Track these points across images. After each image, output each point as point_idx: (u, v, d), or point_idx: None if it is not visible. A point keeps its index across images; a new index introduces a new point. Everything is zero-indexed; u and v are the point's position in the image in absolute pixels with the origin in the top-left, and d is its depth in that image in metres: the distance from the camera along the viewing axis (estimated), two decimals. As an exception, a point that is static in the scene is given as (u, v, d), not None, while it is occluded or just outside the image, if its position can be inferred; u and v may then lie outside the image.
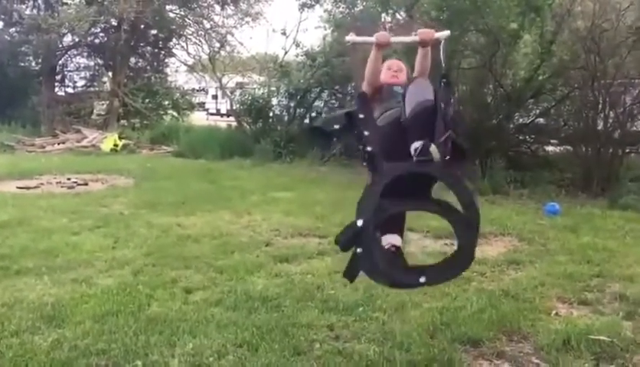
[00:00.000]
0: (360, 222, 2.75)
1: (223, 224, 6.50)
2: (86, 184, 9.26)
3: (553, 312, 3.89)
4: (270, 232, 6.19)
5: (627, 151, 10.08)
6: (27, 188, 8.73)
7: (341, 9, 12.96)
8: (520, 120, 11.57)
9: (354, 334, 3.50)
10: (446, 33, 3.15)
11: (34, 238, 5.60)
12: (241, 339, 3.35)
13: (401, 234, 3.23)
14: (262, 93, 14.44)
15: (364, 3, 12.39)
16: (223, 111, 23.09)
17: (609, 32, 9.61)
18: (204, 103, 28.23)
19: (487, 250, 5.59)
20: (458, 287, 4.26)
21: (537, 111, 11.47)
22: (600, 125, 10.11)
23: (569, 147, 11.03)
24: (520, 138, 11.75)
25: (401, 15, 11.65)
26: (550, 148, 11.73)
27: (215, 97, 27.37)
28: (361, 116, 2.92)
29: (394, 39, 3.32)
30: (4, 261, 4.78)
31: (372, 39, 3.16)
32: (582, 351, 3.19)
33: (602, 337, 3.29)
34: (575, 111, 10.71)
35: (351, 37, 3.31)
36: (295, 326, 3.55)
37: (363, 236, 2.78)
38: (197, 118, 21.32)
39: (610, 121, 10.07)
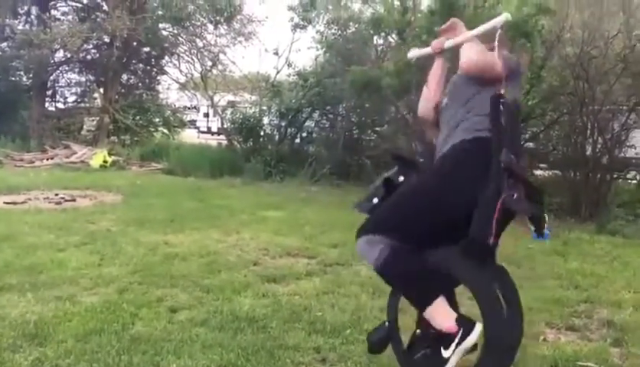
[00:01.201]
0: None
1: (211, 243, 6.45)
2: (74, 200, 9.17)
3: (541, 338, 3.86)
4: (258, 251, 6.15)
5: (615, 176, 10.15)
6: (15, 203, 8.64)
7: (333, 31, 13.05)
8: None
9: (341, 357, 3.46)
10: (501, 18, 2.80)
11: (18, 253, 5.53)
12: (226, 361, 3.30)
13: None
14: (254, 112, 14.47)
15: (356, 25, 12.50)
16: (214, 129, 23.08)
17: (598, 59, 9.74)
18: (195, 121, 28.25)
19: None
20: (446, 311, 4.22)
21: (527, 135, 11.54)
22: (589, 151, 10.20)
23: (557, 172, 11.11)
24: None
25: (393, 38, 11.76)
26: (539, 173, 11.81)
27: (206, 115, 27.39)
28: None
29: (448, 43, 3.01)
30: (-14, 277, 4.71)
31: (428, 49, 3.04)
32: (570, 377, 3.18)
33: (589, 364, 3.27)
34: (564, 136, 10.81)
35: (412, 53, 3.21)
36: (282, 348, 3.51)
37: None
38: (188, 136, 21.31)
39: (599, 146, 10.17)
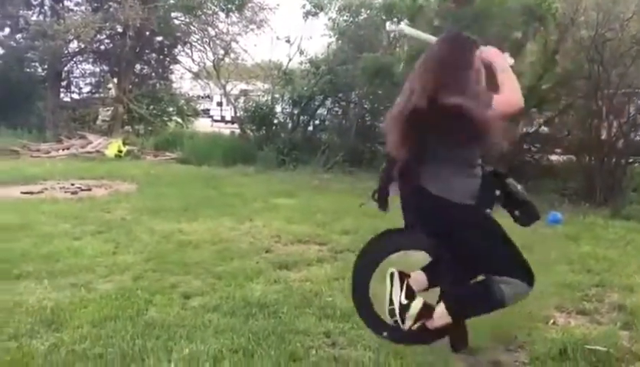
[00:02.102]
0: None
1: (224, 230, 6.51)
2: (90, 190, 9.29)
3: (551, 321, 3.88)
4: (271, 238, 6.20)
5: (630, 160, 10.06)
6: (31, 193, 8.77)
7: (345, 17, 13.00)
8: (524, 129, 11.59)
9: (351, 341, 3.50)
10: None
11: (35, 242, 5.63)
12: (237, 345, 3.35)
13: None
14: (266, 100, 14.49)
15: (368, 12, 12.45)
16: (228, 118, 23.15)
17: (613, 42, 9.62)
18: (208, 110, 28.33)
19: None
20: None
21: (541, 120, 11.46)
22: (604, 135, 10.11)
23: (572, 157, 11.03)
24: (524, 147, 11.76)
25: (405, 24, 11.68)
26: (554, 157, 11.73)
27: (220, 104, 27.45)
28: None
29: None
30: (4, 265, 4.80)
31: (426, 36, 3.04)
32: (578, 360, 3.18)
33: (598, 347, 3.28)
34: (578, 120, 10.70)
35: (407, 30, 3.16)
36: (292, 333, 3.56)
37: None
38: (202, 125, 21.40)
39: (614, 130, 10.07)
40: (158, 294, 4.22)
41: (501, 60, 2.68)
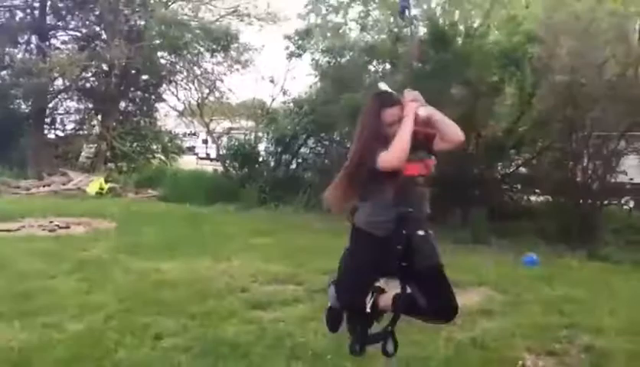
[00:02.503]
0: None
1: (201, 269, 6.51)
2: (68, 227, 9.24)
3: (520, 362, 3.91)
4: (248, 277, 6.19)
5: (606, 202, 10.22)
6: (9, 231, 8.71)
7: (327, 59, 13.23)
8: (503, 171, 11.76)
9: (319, 384, 3.50)
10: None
11: (8, 281, 5.59)
12: (205, 387, 3.35)
13: None
14: (249, 139, 14.60)
15: (350, 53, 12.69)
16: (213, 155, 23.19)
17: (587, 86, 9.87)
18: (194, 147, 28.38)
19: (461, 300, 5.55)
20: (427, 336, 4.27)
21: (519, 161, 11.64)
22: (580, 177, 10.29)
23: (549, 198, 11.19)
24: (504, 187, 11.92)
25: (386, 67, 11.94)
26: (533, 198, 11.89)
27: (205, 141, 27.52)
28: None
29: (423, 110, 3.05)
30: (-25, 305, 4.76)
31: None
32: (543, 402, 3.21)
33: (563, 389, 3.31)
34: (554, 162, 10.88)
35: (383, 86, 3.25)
36: (261, 375, 3.56)
37: None
38: (188, 162, 21.42)
39: (590, 172, 10.26)
40: (128, 335, 4.20)
41: (409, 113, 2.92)
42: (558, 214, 10.25)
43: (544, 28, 10.63)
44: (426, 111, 2.96)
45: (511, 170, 11.60)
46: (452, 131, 2.96)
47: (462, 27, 10.93)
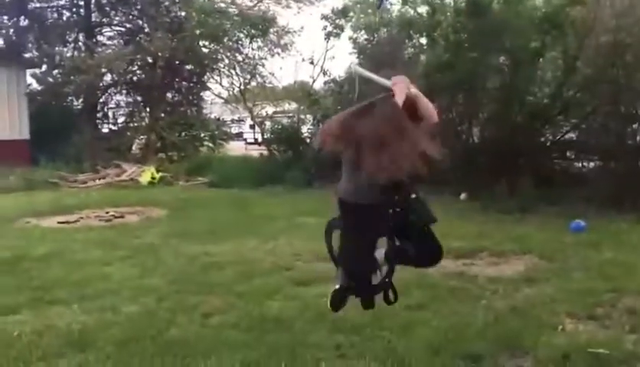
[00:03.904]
0: None
1: (248, 251, 6.72)
2: (123, 217, 9.62)
3: (560, 327, 3.93)
4: (292, 256, 6.37)
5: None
6: (67, 222, 9.14)
7: (365, 36, 13.20)
8: (550, 137, 11.54)
9: (360, 353, 3.63)
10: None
11: (68, 269, 5.92)
12: (250, 359, 3.53)
13: None
14: (292, 122, 14.75)
15: (386, 30, 12.63)
16: (261, 140, 23.47)
17: (633, 46, 9.57)
18: (241, 133, 28.74)
19: (504, 269, 5.67)
20: (467, 305, 4.35)
21: (566, 128, 11.40)
22: (630, 140, 10.03)
23: (600, 163, 10.94)
24: (552, 155, 11.71)
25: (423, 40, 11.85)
26: (582, 164, 11.65)
27: (253, 127, 27.82)
28: None
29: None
30: (38, 292, 5.08)
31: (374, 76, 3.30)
32: (579, 364, 3.24)
33: (600, 350, 3.33)
34: (603, 126, 10.61)
35: (358, 70, 3.49)
36: (304, 346, 3.71)
37: None
38: (237, 147, 21.80)
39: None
40: (179, 314, 4.43)
41: (401, 93, 3.05)
42: (608, 179, 10.02)
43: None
44: (415, 89, 3.09)
45: (559, 137, 11.37)
46: (430, 114, 3.08)
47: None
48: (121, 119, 20.14)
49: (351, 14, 14.64)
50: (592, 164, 11.47)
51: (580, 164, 11.77)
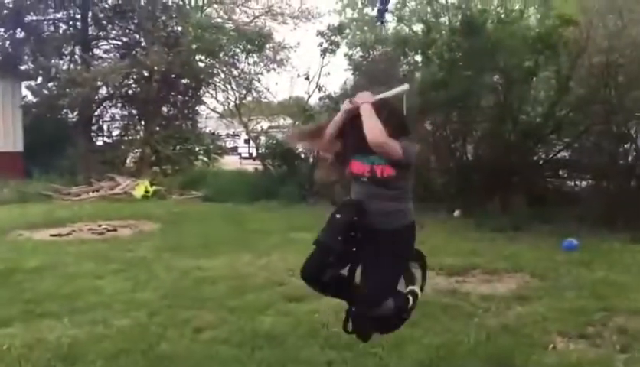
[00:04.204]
0: None
1: (241, 266, 6.71)
2: (115, 230, 9.59)
3: (551, 346, 3.94)
4: (285, 272, 6.34)
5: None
6: (60, 235, 9.10)
7: (361, 53, 13.29)
8: (543, 156, 11.62)
9: (351, 369, 3.63)
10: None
11: (59, 282, 5.89)
12: (241, 375, 3.51)
13: None
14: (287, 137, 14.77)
15: (381, 47, 12.73)
16: (256, 154, 23.50)
17: (625, 66, 9.69)
18: (236, 147, 28.78)
19: (497, 287, 5.69)
20: (459, 322, 4.35)
21: (559, 147, 11.47)
22: (622, 160, 10.11)
23: (592, 182, 11.02)
24: (545, 173, 11.79)
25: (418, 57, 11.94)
26: (574, 183, 11.72)
27: (247, 141, 27.88)
28: None
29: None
30: (29, 305, 5.05)
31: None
32: (569, 383, 3.25)
33: (591, 369, 3.35)
34: (596, 146, 10.70)
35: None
36: (295, 362, 3.71)
37: None
38: (231, 162, 21.84)
39: (634, 154, 10.08)
40: (170, 328, 4.42)
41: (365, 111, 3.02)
42: (601, 198, 10.09)
43: (580, 10, 10.46)
44: (368, 107, 3.03)
45: (551, 156, 11.45)
46: (368, 132, 2.95)
47: (493, 13, 10.81)
48: (116, 132, 20.12)
49: (347, 31, 14.79)
50: (584, 183, 11.55)
51: (573, 183, 11.84)
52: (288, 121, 16.54)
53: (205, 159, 19.22)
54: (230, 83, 17.36)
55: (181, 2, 18.23)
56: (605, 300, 4.96)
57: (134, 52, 18.29)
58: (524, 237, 8.56)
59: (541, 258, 6.87)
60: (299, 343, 4.06)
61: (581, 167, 11.26)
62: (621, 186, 9.80)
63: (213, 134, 20.06)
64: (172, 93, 19.12)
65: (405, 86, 3.19)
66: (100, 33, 19.38)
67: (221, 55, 16.57)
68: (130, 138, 19.38)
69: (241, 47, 15.91)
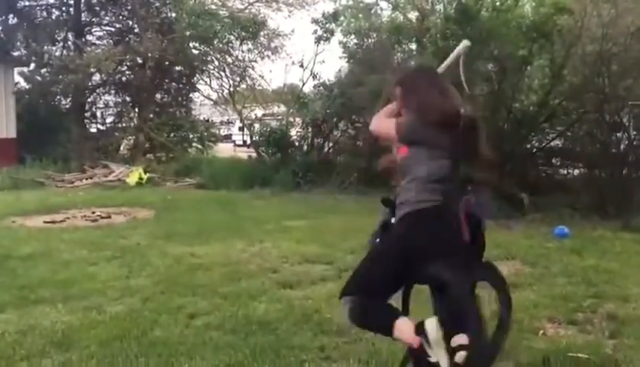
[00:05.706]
0: None
1: (234, 253, 6.73)
2: (109, 217, 9.59)
3: (540, 332, 3.99)
4: (279, 259, 6.39)
5: (641, 172, 10.07)
6: (54, 222, 9.10)
7: (355, 41, 13.27)
8: (536, 144, 11.66)
9: (344, 354, 3.66)
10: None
11: (53, 269, 5.90)
12: (234, 360, 3.55)
13: None
14: (281, 124, 14.79)
15: (376, 35, 12.70)
16: (250, 142, 23.48)
17: (619, 55, 9.71)
18: (230, 135, 28.71)
19: (488, 274, 5.70)
20: (450, 309, 4.38)
21: (552, 135, 11.52)
22: (614, 148, 10.16)
23: (585, 170, 11.08)
24: (538, 162, 11.84)
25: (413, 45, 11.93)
26: (567, 171, 11.78)
27: (242, 129, 27.81)
28: None
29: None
30: (23, 291, 5.07)
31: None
32: (559, 368, 3.30)
33: (580, 354, 3.39)
34: (588, 134, 10.75)
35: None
36: (288, 348, 3.74)
37: None
38: (225, 149, 21.81)
39: (626, 142, 10.12)
40: (164, 315, 4.44)
41: None
42: (593, 186, 10.15)
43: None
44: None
45: (544, 144, 11.49)
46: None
47: (488, 1, 10.77)
48: (109, 119, 20.05)
49: (342, 18, 14.73)
50: (576, 172, 11.61)
51: (565, 171, 11.91)
52: (283, 108, 16.53)
53: (199, 146, 19.19)
54: (224, 70, 17.31)
55: (174, -12, 18.11)
56: (596, 287, 5.02)
57: (127, 38, 18.22)
58: (517, 225, 8.60)
59: (533, 246, 6.93)
60: (292, 329, 4.09)
61: (574, 156, 11.31)
62: (613, 175, 9.84)
63: (207, 121, 20.01)
64: (166, 80, 19.05)
65: (465, 43, 3.07)
66: (93, 19, 19.28)
67: (215, 42, 16.48)
68: (124, 125, 19.33)
69: (235, 34, 15.84)
